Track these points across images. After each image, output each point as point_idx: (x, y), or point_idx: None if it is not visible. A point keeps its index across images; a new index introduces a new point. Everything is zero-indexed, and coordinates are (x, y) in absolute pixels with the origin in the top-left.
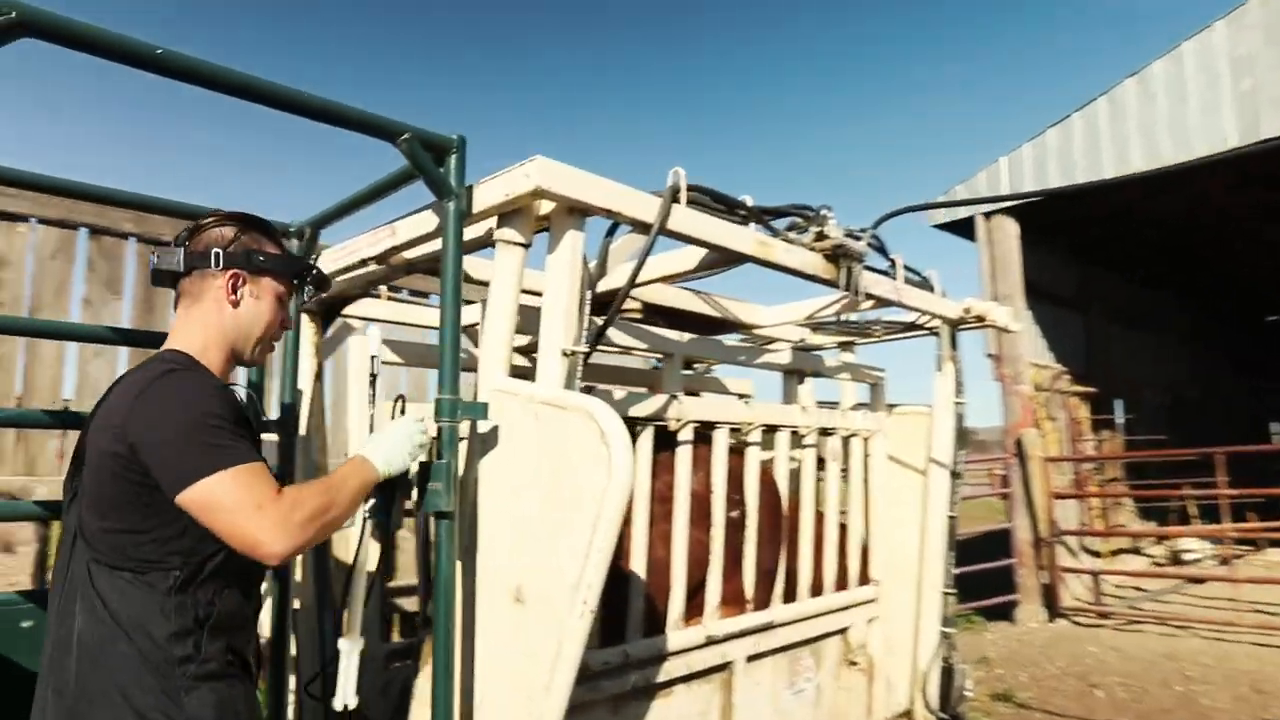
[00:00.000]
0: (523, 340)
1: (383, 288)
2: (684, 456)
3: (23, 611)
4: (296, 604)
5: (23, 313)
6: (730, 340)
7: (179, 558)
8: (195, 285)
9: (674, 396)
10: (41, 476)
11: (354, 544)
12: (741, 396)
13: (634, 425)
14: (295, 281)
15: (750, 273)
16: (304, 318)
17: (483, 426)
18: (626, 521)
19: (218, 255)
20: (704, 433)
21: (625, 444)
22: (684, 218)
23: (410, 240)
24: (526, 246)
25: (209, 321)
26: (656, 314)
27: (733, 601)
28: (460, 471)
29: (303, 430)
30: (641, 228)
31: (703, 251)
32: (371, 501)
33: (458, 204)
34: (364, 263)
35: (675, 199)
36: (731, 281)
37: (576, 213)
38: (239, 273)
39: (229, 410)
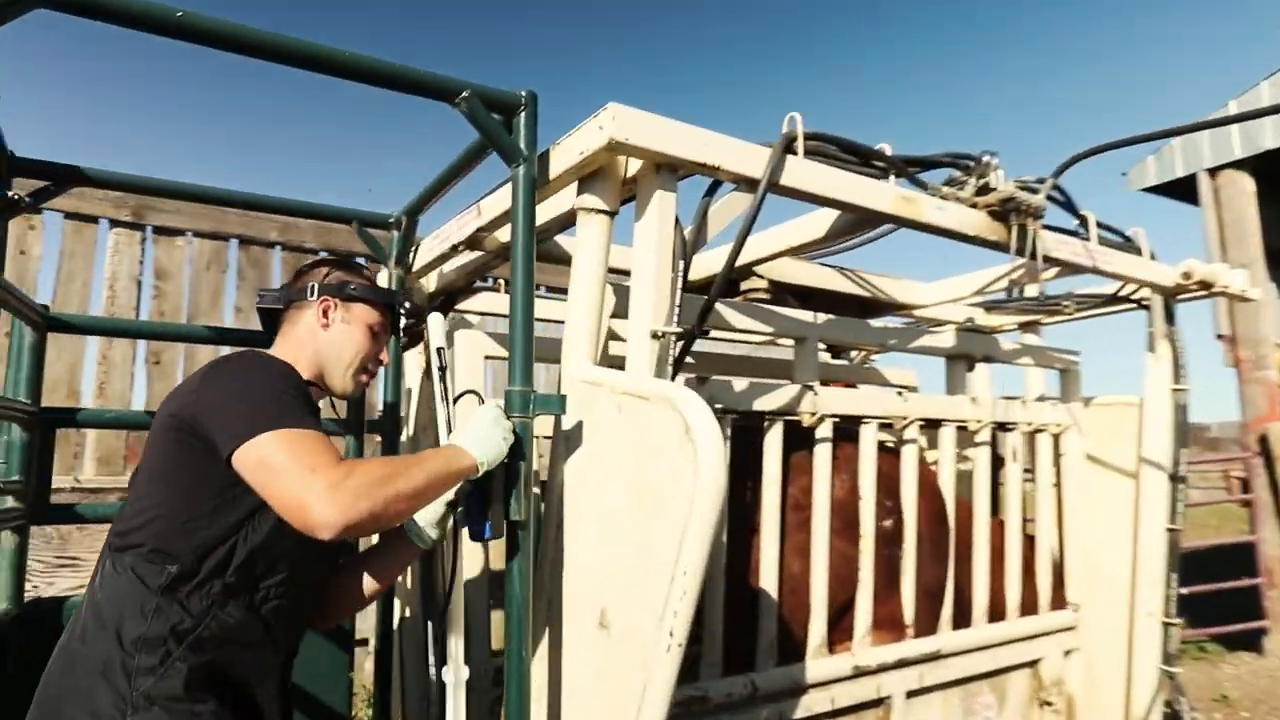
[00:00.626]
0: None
1: (504, 280)
2: (822, 456)
3: None
4: (405, 610)
5: (182, 320)
6: (879, 324)
7: (186, 551)
8: (293, 316)
9: (808, 387)
10: None
11: (449, 555)
12: (902, 389)
13: (760, 420)
14: (389, 312)
15: (915, 252)
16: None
17: (565, 423)
18: (754, 531)
19: (313, 287)
20: (850, 430)
21: (714, 439)
22: (802, 171)
23: (496, 219)
24: (612, 214)
25: (301, 344)
26: (790, 294)
27: (888, 626)
28: (544, 474)
29: (410, 430)
30: (748, 185)
31: (833, 216)
32: (458, 505)
33: (528, 169)
34: (456, 249)
35: (790, 149)
36: (893, 261)
37: (666, 170)
38: (331, 299)
39: (300, 389)
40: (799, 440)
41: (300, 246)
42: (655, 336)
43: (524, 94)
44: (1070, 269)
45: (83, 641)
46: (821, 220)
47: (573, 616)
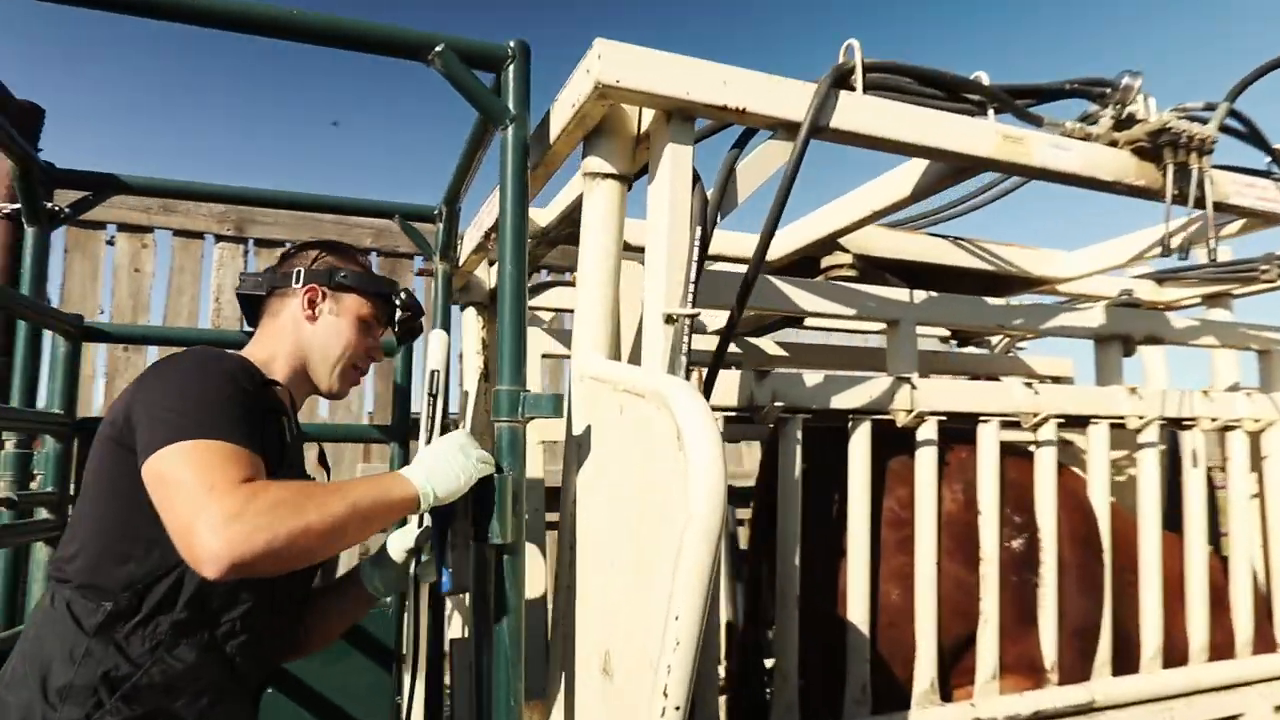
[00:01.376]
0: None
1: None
2: (925, 462)
3: None
4: (457, 629)
5: None
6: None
7: (122, 584)
8: (275, 305)
9: (903, 380)
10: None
11: (411, 600)
12: (1057, 379)
13: (842, 419)
14: (383, 304)
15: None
16: (471, 310)
17: (574, 427)
18: (840, 554)
19: (298, 273)
20: (965, 430)
21: (708, 445)
22: (862, 110)
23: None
24: (623, 178)
25: (282, 336)
26: (888, 271)
27: (1021, 670)
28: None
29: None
30: (787, 132)
31: (918, 172)
32: (419, 552)
33: (517, 130)
34: (489, 237)
35: (843, 84)
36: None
37: (678, 119)
38: (317, 287)
39: (244, 395)
40: (895, 444)
41: (395, 251)
42: (669, 320)
43: (511, 45)
44: (1263, 220)
45: (7, 687)
46: (905, 177)
47: (582, 657)
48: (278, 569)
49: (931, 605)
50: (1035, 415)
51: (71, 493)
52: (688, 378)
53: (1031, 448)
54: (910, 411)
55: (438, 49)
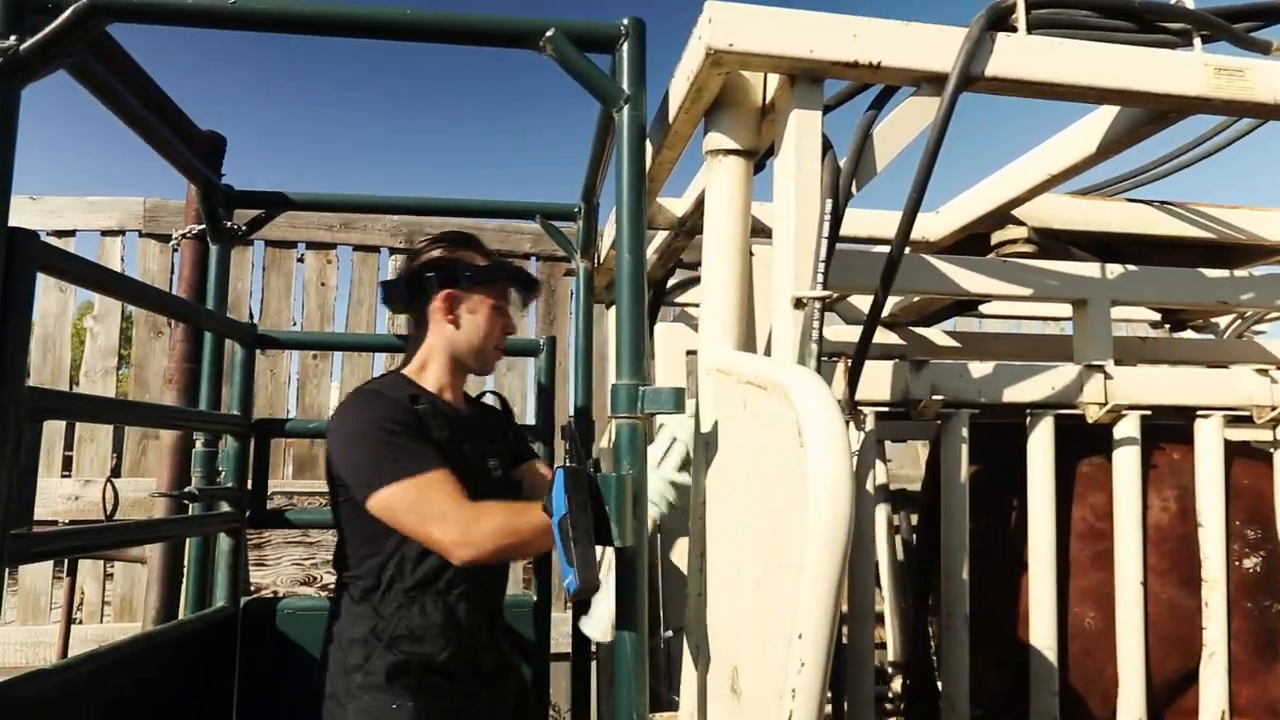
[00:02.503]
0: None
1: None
2: (1127, 464)
3: None
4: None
5: None
6: (1216, 275)
7: (367, 570)
8: (416, 314)
9: (1094, 367)
10: None
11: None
12: None
13: (1020, 415)
14: (511, 281)
15: None
16: (615, 310)
17: (702, 423)
18: (1023, 568)
19: (430, 279)
20: (1177, 427)
21: (830, 441)
22: (1027, 52)
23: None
24: (748, 154)
25: (430, 342)
26: (1075, 245)
27: (1257, 714)
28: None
29: (612, 435)
30: (933, 86)
31: (1105, 123)
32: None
33: (633, 111)
34: None
35: (1001, 25)
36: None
37: (804, 82)
38: (452, 292)
39: (403, 425)
40: (1088, 443)
41: (553, 255)
42: (798, 304)
43: (624, 23)
44: None
45: (326, 643)
46: (1091, 130)
47: (713, 671)
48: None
49: (1137, 632)
50: (1274, 409)
51: (249, 487)
52: (824, 370)
53: (1271, 449)
54: (1104, 405)
55: (549, 34)
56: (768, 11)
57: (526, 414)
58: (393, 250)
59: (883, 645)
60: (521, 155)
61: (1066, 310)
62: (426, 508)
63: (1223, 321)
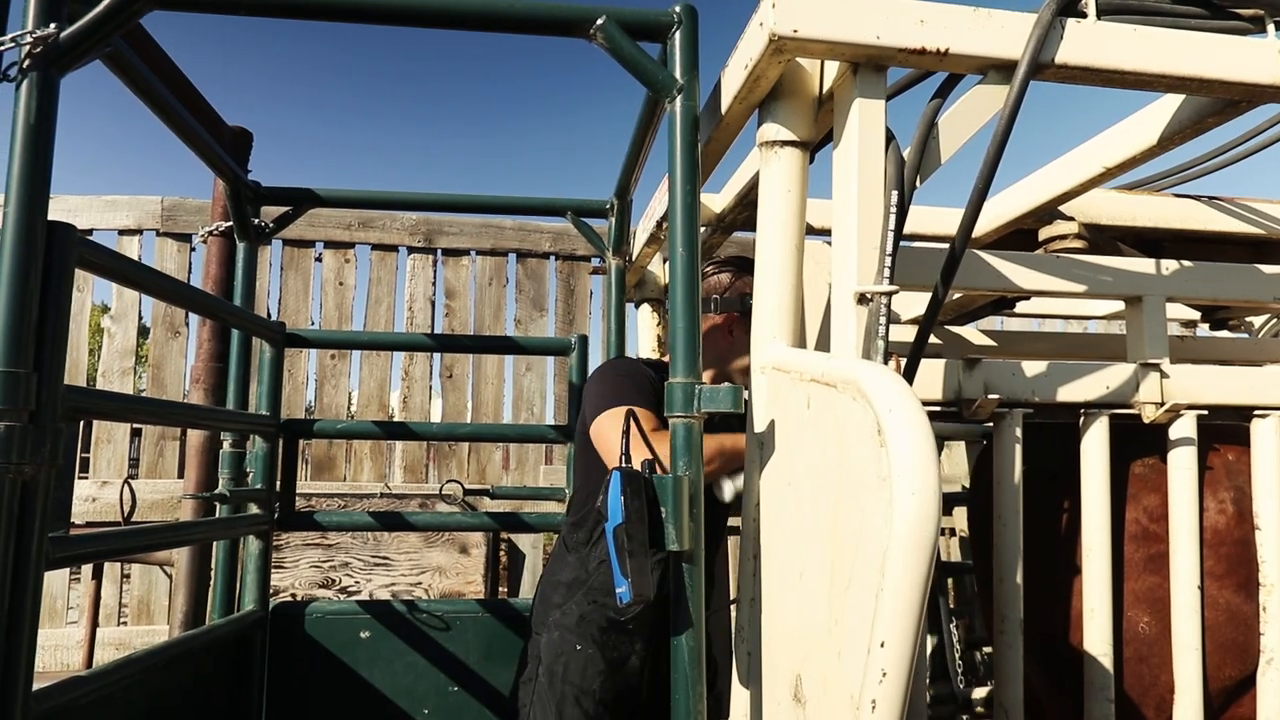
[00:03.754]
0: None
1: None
2: (1183, 465)
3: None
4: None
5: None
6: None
7: (582, 518)
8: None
9: (1150, 366)
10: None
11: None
12: None
13: (1073, 415)
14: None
15: None
16: (645, 307)
17: (756, 423)
18: (1076, 572)
19: (715, 301)
20: (1234, 427)
21: (917, 439)
22: (1097, 39)
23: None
24: (804, 146)
25: (706, 353)
26: (1123, 241)
27: None
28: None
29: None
30: (1000, 74)
31: (1169, 112)
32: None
33: (686, 101)
34: (661, 227)
35: (1071, 10)
36: None
37: (867, 70)
38: (735, 315)
39: (634, 376)
40: (1142, 443)
41: (572, 254)
42: (862, 300)
43: (677, 9)
44: None
45: (544, 584)
46: (1152, 121)
47: (771, 679)
48: None
49: (1194, 638)
50: None
51: (278, 488)
52: (885, 364)
53: None
54: (1160, 404)
55: (599, 21)
56: None
57: (546, 415)
58: (411, 249)
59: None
60: (536, 155)
61: (1096, 309)
62: (616, 430)
63: (1257, 321)
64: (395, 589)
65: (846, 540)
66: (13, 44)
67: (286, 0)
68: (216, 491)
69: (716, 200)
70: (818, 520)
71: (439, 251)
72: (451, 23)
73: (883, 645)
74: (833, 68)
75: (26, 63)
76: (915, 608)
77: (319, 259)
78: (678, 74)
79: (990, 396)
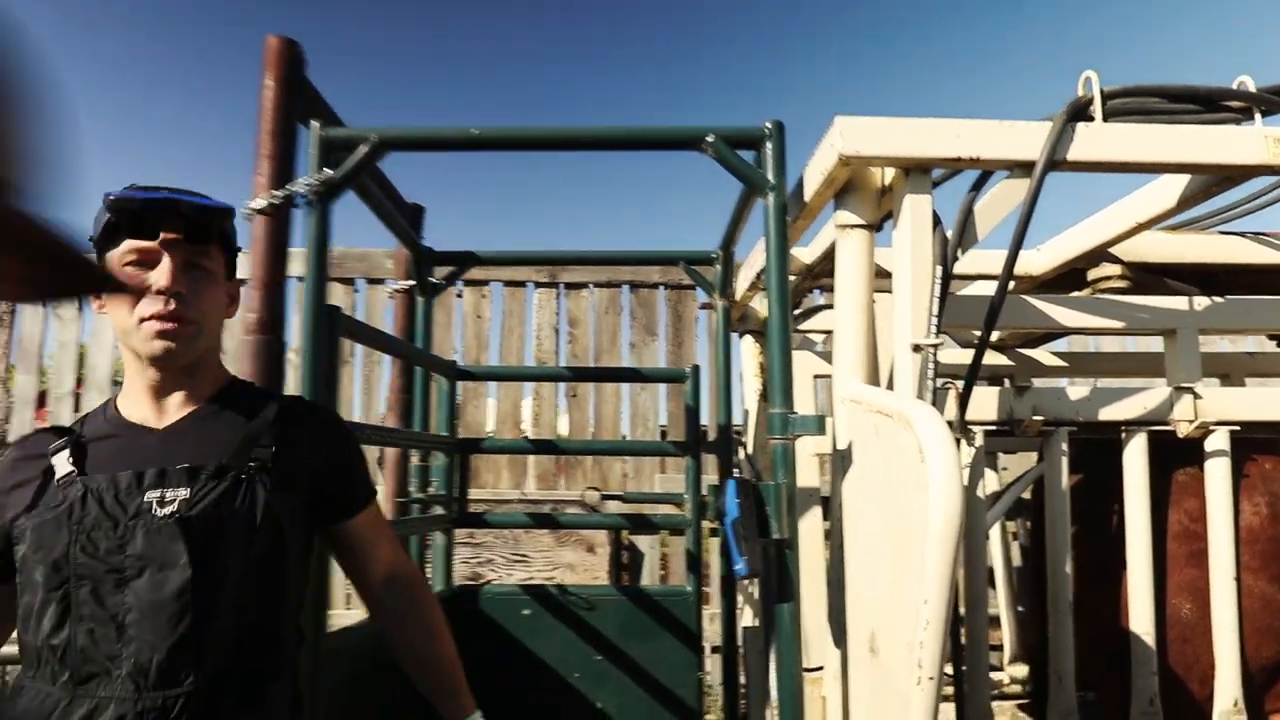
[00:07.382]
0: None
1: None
2: (1217, 474)
3: (524, 602)
4: (749, 618)
5: (589, 361)
6: None
7: None
8: None
9: (1184, 389)
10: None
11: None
12: None
13: (1116, 431)
14: None
15: None
16: (748, 338)
17: (838, 443)
18: (1121, 565)
19: None
20: (1273, 440)
21: (945, 459)
22: (1103, 139)
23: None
24: (870, 227)
25: None
26: (1168, 277)
27: None
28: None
29: (750, 448)
30: (1023, 170)
31: (1182, 182)
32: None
33: (777, 197)
34: (760, 276)
35: (1080, 116)
36: None
37: (917, 172)
38: None
39: None
40: (1179, 455)
41: (680, 284)
42: (916, 349)
43: (768, 126)
44: None
45: None
46: (1171, 186)
47: (853, 637)
48: None
49: (1231, 622)
50: None
51: (456, 494)
52: (938, 397)
53: None
54: (1193, 422)
55: (709, 139)
56: (887, 122)
57: (658, 429)
58: (537, 284)
59: (998, 646)
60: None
61: None
62: None
63: None
64: (532, 583)
65: (900, 530)
66: (305, 186)
67: (478, 139)
68: (416, 496)
69: (805, 253)
70: (883, 516)
71: (561, 285)
72: (592, 145)
73: (926, 602)
74: (890, 170)
75: (314, 198)
76: (947, 574)
77: (459, 295)
78: (769, 175)
79: (1036, 418)
